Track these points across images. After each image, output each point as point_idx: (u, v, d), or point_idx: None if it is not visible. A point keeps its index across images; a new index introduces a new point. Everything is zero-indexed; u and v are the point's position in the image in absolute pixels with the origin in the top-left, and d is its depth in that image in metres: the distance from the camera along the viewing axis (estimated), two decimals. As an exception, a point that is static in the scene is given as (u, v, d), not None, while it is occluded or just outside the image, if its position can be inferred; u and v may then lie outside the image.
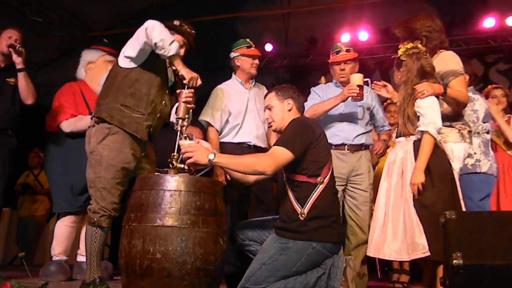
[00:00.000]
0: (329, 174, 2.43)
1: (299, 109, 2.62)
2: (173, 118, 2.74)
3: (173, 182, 2.21)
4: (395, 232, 2.36)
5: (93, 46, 3.80)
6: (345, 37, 6.92)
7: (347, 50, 3.27)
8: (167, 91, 2.74)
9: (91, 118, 2.67)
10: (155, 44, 2.47)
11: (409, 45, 2.57)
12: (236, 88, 3.37)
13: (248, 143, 3.26)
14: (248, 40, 3.43)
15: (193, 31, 2.81)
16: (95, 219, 2.49)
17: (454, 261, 1.57)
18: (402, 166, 2.47)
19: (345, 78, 3.21)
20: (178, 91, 2.63)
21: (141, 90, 2.59)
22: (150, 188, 2.22)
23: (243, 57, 3.36)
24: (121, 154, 2.53)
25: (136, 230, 2.15)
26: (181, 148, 2.31)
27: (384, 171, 2.60)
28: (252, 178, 2.61)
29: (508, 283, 1.61)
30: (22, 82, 3.26)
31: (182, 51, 2.71)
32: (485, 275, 1.60)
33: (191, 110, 2.59)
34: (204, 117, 3.30)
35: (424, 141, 2.39)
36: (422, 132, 2.41)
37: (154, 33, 2.45)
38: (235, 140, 3.27)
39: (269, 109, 2.61)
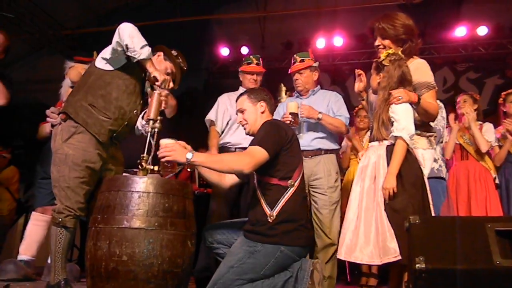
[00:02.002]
0: (299, 178, 2.45)
1: (271, 112, 2.65)
2: (139, 124, 2.73)
3: (141, 184, 2.18)
4: (367, 236, 2.38)
5: (76, 58, 3.79)
6: (320, 42, 7.00)
7: (301, 61, 3.44)
8: (141, 101, 2.71)
9: (58, 114, 2.63)
10: (126, 45, 2.44)
11: (391, 51, 2.59)
12: None
13: (239, 145, 3.39)
14: (252, 56, 3.69)
15: (184, 68, 2.81)
16: (60, 219, 2.44)
17: (417, 265, 1.60)
18: (375, 171, 2.49)
19: (300, 87, 3.44)
20: (148, 90, 2.62)
21: (111, 93, 2.56)
22: (118, 189, 2.19)
23: (243, 73, 3.65)
24: (86, 153, 2.49)
25: (102, 232, 2.12)
26: (159, 147, 2.28)
27: (357, 175, 2.62)
28: (228, 182, 2.62)
29: (470, 287, 1.64)
30: None
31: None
32: (447, 279, 1.63)
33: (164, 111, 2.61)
34: (208, 116, 3.58)
35: (397, 146, 2.42)
36: (396, 138, 2.44)
37: (125, 34, 2.43)
38: (229, 141, 3.45)
39: (242, 112, 2.63)
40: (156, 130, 2.46)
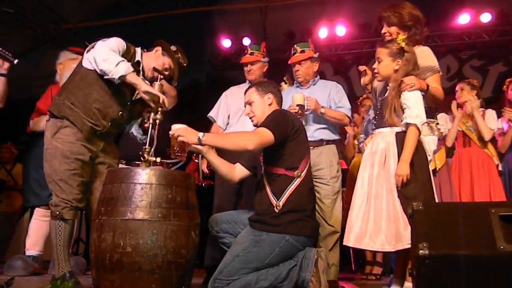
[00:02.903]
0: (306, 168, 2.46)
1: (279, 104, 2.67)
2: (134, 131, 2.77)
3: (144, 175, 2.18)
4: (377, 223, 2.37)
5: (70, 48, 3.81)
6: (322, 32, 6.95)
7: (302, 51, 3.41)
8: (128, 103, 2.68)
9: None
10: (101, 70, 2.45)
11: (404, 36, 2.56)
12: (244, 90, 3.51)
13: None
14: (249, 47, 3.67)
15: (184, 64, 2.76)
16: (57, 212, 2.45)
17: (420, 251, 1.59)
18: (384, 157, 2.47)
19: (301, 78, 3.40)
20: (151, 80, 2.62)
21: (92, 94, 2.54)
22: (121, 181, 2.20)
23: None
24: (74, 145, 2.49)
25: (106, 224, 2.13)
26: (170, 130, 2.35)
27: (364, 162, 2.59)
28: (237, 175, 2.65)
29: (473, 273, 1.64)
30: (0, 87, 3.24)
31: (159, 74, 2.65)
32: (451, 265, 1.62)
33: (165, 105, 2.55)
34: (211, 113, 3.61)
35: (410, 133, 2.40)
36: (408, 125, 2.42)
37: (99, 59, 2.43)
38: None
39: (250, 104, 2.65)
40: (157, 121, 2.46)
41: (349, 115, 3.40)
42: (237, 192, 3.37)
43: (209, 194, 3.72)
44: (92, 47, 2.55)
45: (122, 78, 2.43)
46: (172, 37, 2.89)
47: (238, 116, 3.46)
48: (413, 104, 2.42)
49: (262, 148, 2.36)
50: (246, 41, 7.18)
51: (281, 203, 2.35)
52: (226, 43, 7.56)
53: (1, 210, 5.60)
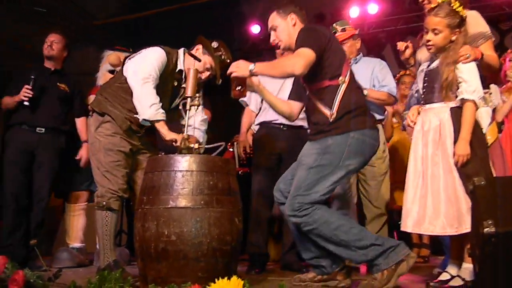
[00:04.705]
0: (348, 72, 2.40)
1: (302, 22, 2.56)
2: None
3: (184, 162, 2.15)
4: (436, 206, 2.25)
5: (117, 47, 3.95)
6: (353, 11, 6.74)
7: (342, 30, 3.28)
8: (170, 107, 2.72)
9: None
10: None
11: (460, 3, 2.36)
12: None
13: (275, 121, 3.27)
14: (335, 25, 3.48)
15: (227, 60, 2.69)
16: (104, 202, 2.51)
17: (485, 229, 1.47)
18: (439, 135, 2.33)
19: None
20: (187, 68, 2.58)
21: (129, 103, 2.57)
22: (161, 169, 2.17)
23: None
24: (115, 138, 2.56)
25: (149, 213, 2.10)
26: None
27: (415, 140, 2.44)
28: (295, 111, 2.59)
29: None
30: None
31: (204, 75, 2.67)
32: (518, 242, 1.50)
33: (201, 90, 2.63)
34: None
35: (467, 110, 2.26)
36: (464, 100, 2.27)
37: (132, 85, 2.50)
38: (264, 119, 3.32)
39: (274, 30, 2.55)
40: (195, 107, 2.42)
41: (394, 94, 3.27)
42: (275, 175, 3.29)
43: (247, 182, 3.67)
44: (133, 57, 2.62)
45: (146, 122, 2.50)
46: (201, 26, 2.84)
47: (275, 95, 3.35)
48: (469, 78, 2.26)
49: (307, 69, 2.27)
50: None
51: (334, 112, 2.30)
52: (255, 29, 7.45)
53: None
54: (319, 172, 2.24)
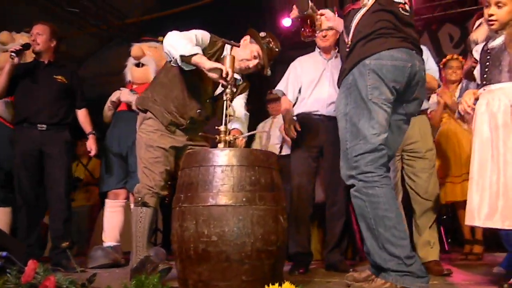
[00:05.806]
0: None
1: None
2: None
3: (223, 157, 1.99)
4: (510, 196, 2.03)
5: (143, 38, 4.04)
6: None
7: None
8: (207, 100, 2.62)
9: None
10: (166, 53, 2.38)
11: None
12: (314, 59, 3.34)
13: (315, 113, 3.16)
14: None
15: (276, 50, 2.59)
16: (139, 197, 2.45)
17: None
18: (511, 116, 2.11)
19: None
20: (222, 56, 2.49)
21: (172, 91, 2.55)
22: (199, 164, 2.02)
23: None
24: (155, 135, 2.53)
25: (188, 212, 1.96)
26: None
27: (480, 123, 2.20)
28: None
29: None
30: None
31: (251, 63, 2.56)
32: None
33: (240, 80, 2.56)
34: (279, 86, 3.38)
35: None
36: None
37: (165, 43, 2.36)
38: (304, 110, 3.21)
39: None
40: (230, 97, 2.28)
41: (437, 77, 3.09)
42: (315, 168, 3.16)
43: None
44: None
45: (185, 59, 2.28)
46: (232, 21, 2.71)
47: (313, 87, 3.20)
48: None
49: None
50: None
51: (349, 39, 2.11)
52: (286, 22, 7.27)
53: (81, 204, 5.74)
54: (353, 113, 2.06)
